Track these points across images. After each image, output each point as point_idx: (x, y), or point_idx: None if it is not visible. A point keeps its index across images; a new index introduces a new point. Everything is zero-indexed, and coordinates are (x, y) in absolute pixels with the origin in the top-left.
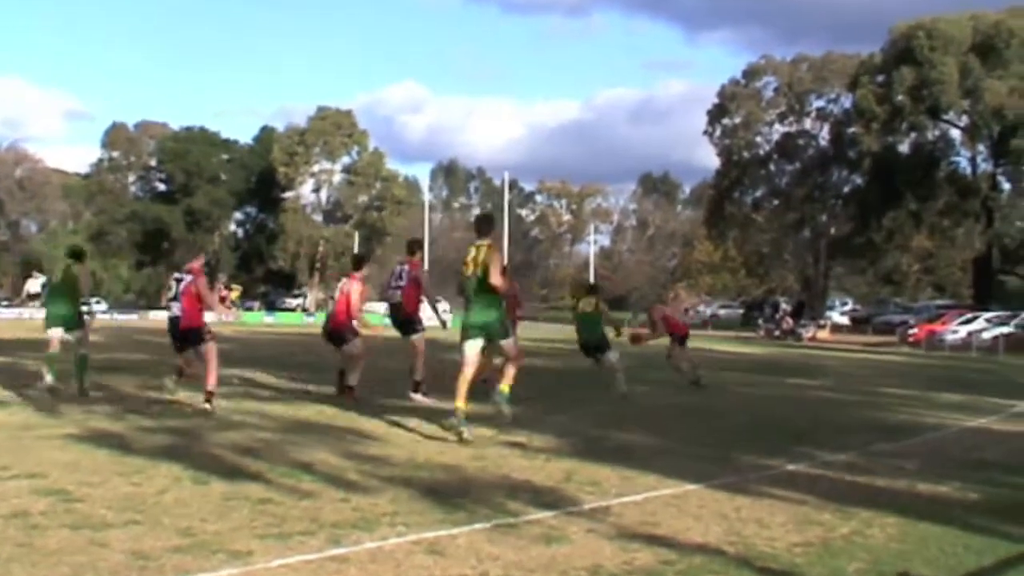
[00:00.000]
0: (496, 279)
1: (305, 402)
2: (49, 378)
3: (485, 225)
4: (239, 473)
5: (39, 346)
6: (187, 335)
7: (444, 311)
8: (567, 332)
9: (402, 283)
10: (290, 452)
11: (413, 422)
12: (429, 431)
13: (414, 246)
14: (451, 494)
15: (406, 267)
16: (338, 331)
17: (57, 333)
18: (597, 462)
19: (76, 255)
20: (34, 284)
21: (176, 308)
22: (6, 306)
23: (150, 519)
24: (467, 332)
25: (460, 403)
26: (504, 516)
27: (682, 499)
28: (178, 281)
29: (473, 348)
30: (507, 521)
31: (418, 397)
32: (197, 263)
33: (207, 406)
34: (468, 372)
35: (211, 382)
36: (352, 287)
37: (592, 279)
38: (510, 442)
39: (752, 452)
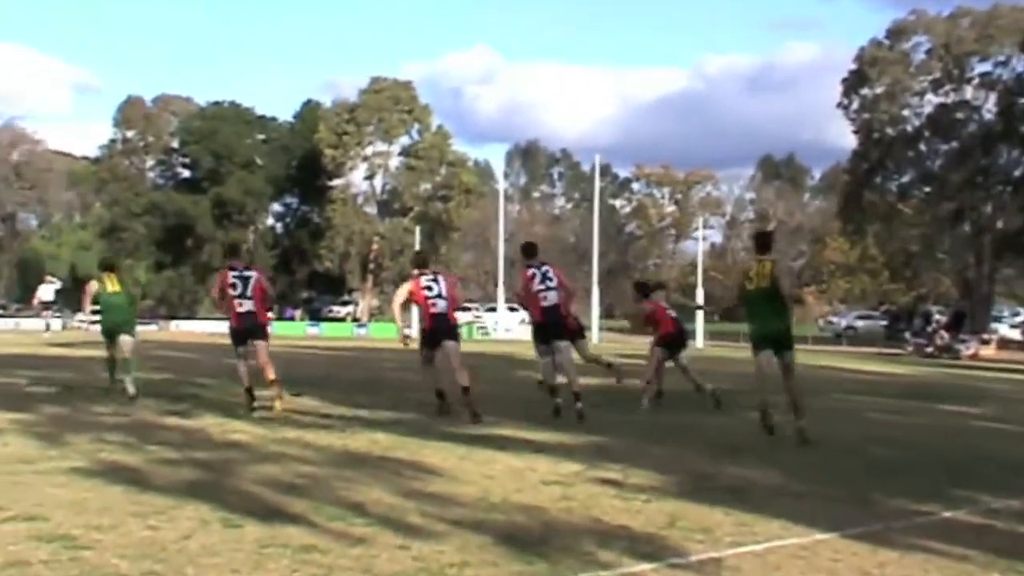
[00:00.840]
0: (790, 297)
1: (356, 429)
2: (131, 389)
3: (768, 242)
4: (278, 515)
5: (41, 363)
6: (257, 331)
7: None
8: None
9: (552, 284)
10: (338, 490)
11: (485, 454)
12: (505, 465)
13: (534, 248)
14: (531, 541)
15: (548, 268)
16: (455, 327)
17: (121, 340)
18: (707, 504)
19: (111, 267)
20: (47, 291)
21: (249, 305)
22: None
23: (172, 569)
24: (757, 343)
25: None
26: (595, 568)
27: (812, 551)
28: (244, 280)
29: (767, 358)
30: (598, 574)
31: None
32: (244, 261)
33: (278, 404)
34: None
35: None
36: (452, 281)
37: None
38: (602, 479)
39: (899, 494)
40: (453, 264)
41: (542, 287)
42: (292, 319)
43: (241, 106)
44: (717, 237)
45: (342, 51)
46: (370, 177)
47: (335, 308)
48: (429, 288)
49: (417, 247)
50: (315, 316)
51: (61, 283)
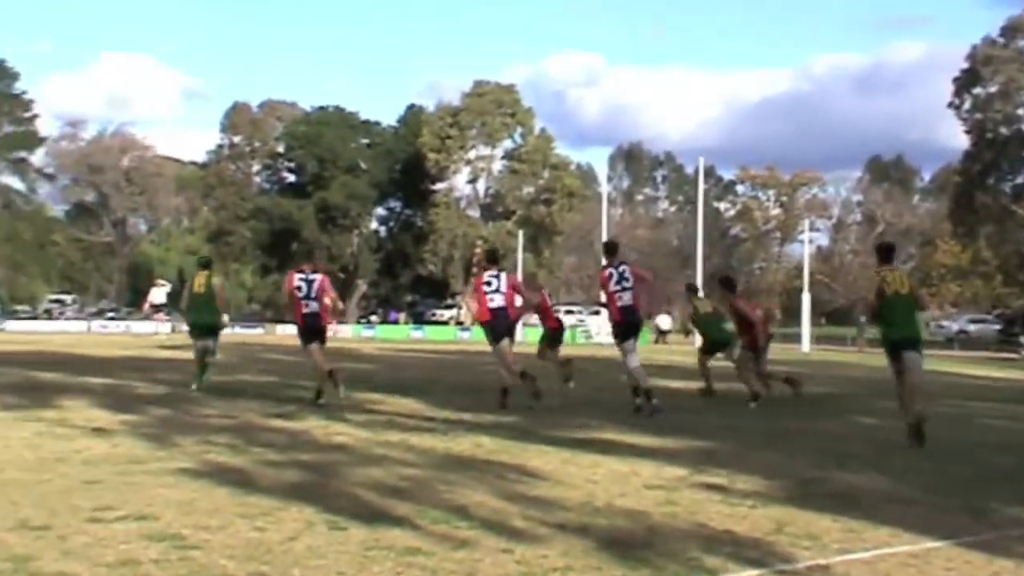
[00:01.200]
0: (924, 301)
1: (459, 433)
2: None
3: (891, 253)
4: (382, 517)
5: (150, 365)
6: (318, 333)
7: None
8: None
9: (627, 284)
10: (442, 493)
11: (589, 458)
12: (608, 469)
13: (615, 247)
14: (634, 545)
15: (624, 268)
16: (513, 322)
17: (203, 342)
18: (814, 510)
19: (208, 264)
20: (159, 294)
21: (314, 306)
22: (111, 318)
23: (278, 570)
24: (892, 348)
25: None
26: (699, 574)
27: (923, 559)
28: (308, 282)
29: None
30: None
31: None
32: (312, 266)
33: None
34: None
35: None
36: (515, 283)
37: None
38: (707, 484)
39: (1015, 503)
40: (556, 268)
41: (617, 288)
42: (396, 322)
43: (345, 111)
44: (823, 240)
45: (445, 54)
46: (473, 181)
47: (438, 312)
48: (489, 284)
49: (520, 250)
50: (419, 319)
51: (171, 286)
